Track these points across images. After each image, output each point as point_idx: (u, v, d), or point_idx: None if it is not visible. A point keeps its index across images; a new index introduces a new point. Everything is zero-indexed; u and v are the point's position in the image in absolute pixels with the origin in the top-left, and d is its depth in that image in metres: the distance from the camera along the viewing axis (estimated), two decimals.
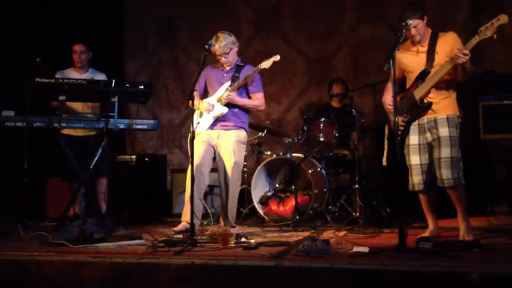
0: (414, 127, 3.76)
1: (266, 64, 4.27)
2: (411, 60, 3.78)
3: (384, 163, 3.88)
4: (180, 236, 3.79)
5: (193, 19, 6.86)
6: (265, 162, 5.27)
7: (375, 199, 4.91)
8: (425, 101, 3.67)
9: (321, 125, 5.07)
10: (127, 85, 4.42)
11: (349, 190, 5.11)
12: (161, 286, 3.01)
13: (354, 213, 4.86)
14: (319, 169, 5.15)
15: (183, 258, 3.12)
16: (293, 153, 5.22)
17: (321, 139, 5.05)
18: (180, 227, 4.17)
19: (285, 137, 5.62)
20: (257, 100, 4.48)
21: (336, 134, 5.12)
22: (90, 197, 4.86)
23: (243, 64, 4.52)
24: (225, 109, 4.35)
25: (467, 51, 3.39)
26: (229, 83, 4.40)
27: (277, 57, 4.28)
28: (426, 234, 3.78)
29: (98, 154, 4.37)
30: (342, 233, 4.20)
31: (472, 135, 4.87)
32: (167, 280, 3.00)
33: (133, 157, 5.88)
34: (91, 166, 4.40)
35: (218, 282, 2.96)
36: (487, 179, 5.03)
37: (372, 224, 4.55)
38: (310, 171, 5.00)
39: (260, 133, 5.61)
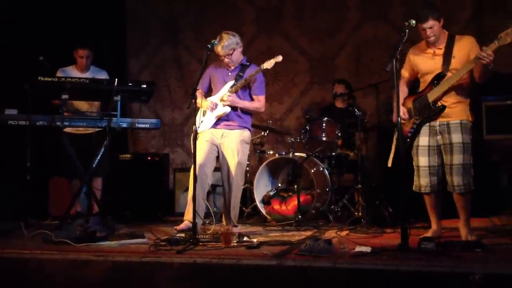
0: (425, 128, 3.74)
1: (268, 64, 4.28)
2: (426, 62, 3.76)
3: (390, 164, 3.87)
4: (183, 235, 3.79)
5: (196, 18, 6.86)
6: (267, 161, 5.26)
7: (377, 199, 4.91)
8: (438, 104, 3.66)
9: (324, 124, 5.07)
10: (129, 84, 4.42)
11: (352, 190, 5.11)
12: (164, 285, 3.01)
13: (356, 213, 4.85)
14: (321, 168, 5.14)
15: (185, 257, 3.12)
16: (295, 152, 5.22)
17: (324, 138, 5.05)
18: (182, 226, 4.17)
19: (288, 137, 5.62)
20: (258, 102, 4.48)
21: (339, 134, 5.12)
22: (92, 195, 4.87)
23: (248, 63, 4.52)
24: (228, 109, 4.36)
25: (490, 52, 3.36)
26: (232, 82, 4.40)
27: (279, 58, 4.28)
28: (428, 234, 3.78)
29: (100, 153, 4.39)
30: (344, 233, 4.20)
31: (475, 136, 4.86)
32: (169, 278, 3.01)
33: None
34: (94, 165, 4.42)
35: (220, 281, 2.97)
36: (490, 179, 5.02)
37: (375, 224, 4.54)
38: (312, 171, 5.00)
39: (262, 133, 5.61)
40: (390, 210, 4.83)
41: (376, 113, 5.41)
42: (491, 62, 3.40)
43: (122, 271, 3.10)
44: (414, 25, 3.51)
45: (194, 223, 3.68)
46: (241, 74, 4.42)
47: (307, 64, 6.42)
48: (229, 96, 4.32)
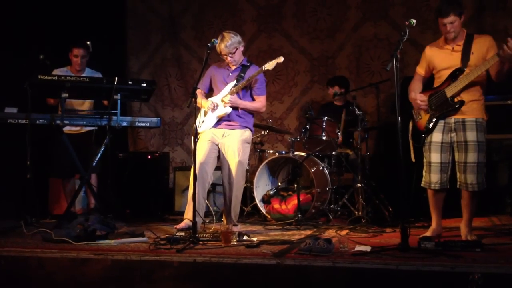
0: (439, 125, 3.71)
1: (269, 65, 4.28)
2: (444, 58, 3.74)
3: (413, 159, 3.83)
4: (182, 234, 3.80)
5: (196, 17, 6.86)
6: (267, 160, 5.26)
7: (377, 198, 4.91)
8: (456, 99, 3.65)
9: (324, 123, 5.07)
10: (129, 82, 4.42)
11: (352, 189, 5.11)
12: (163, 284, 3.02)
13: (356, 212, 4.85)
14: (321, 167, 5.14)
15: (185, 256, 3.12)
16: (295, 151, 5.22)
17: (324, 138, 5.05)
18: (182, 224, 4.17)
19: (288, 136, 5.61)
20: (259, 102, 4.48)
21: (339, 133, 5.12)
22: (92, 192, 4.88)
23: (248, 64, 4.52)
24: (229, 109, 4.35)
25: None
26: (234, 83, 4.40)
27: (280, 59, 4.28)
28: (428, 233, 3.77)
29: (101, 152, 4.40)
30: (344, 232, 4.19)
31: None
32: (169, 277, 3.01)
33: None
34: (94, 163, 4.43)
35: (220, 280, 2.97)
36: (490, 179, 5.02)
37: (374, 223, 4.54)
38: (312, 170, 5.00)
39: (262, 132, 5.61)
40: (390, 209, 4.83)
41: (376, 112, 5.40)
42: None
43: (121, 269, 3.10)
44: (414, 25, 3.50)
45: (194, 222, 3.68)
46: (242, 74, 4.42)
47: (307, 63, 6.42)
48: (230, 99, 4.32)
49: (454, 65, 3.66)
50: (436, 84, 3.79)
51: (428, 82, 3.94)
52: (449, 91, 3.65)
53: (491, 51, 3.55)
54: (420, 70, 3.93)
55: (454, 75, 3.64)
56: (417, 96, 3.81)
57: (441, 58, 3.76)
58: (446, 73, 3.70)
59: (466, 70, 3.61)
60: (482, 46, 3.62)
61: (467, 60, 3.63)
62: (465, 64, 3.63)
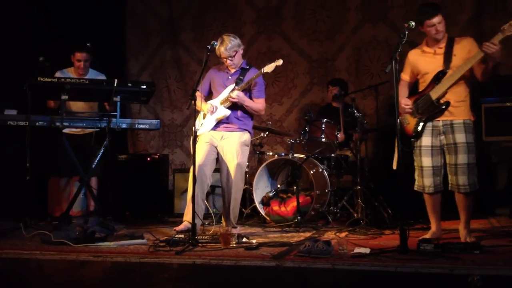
0: (428, 128, 3.72)
1: (268, 68, 4.29)
2: (427, 61, 3.76)
3: (394, 166, 3.84)
4: (182, 236, 3.79)
5: (196, 18, 6.87)
6: (267, 162, 5.27)
7: (376, 200, 4.91)
8: (442, 101, 3.66)
9: (323, 125, 5.07)
10: (129, 84, 4.42)
11: (351, 191, 5.11)
12: (162, 286, 3.01)
13: (355, 214, 4.85)
14: (321, 169, 5.14)
15: (184, 258, 3.13)
16: (295, 153, 5.23)
17: (323, 139, 5.05)
18: (181, 226, 4.17)
19: (287, 138, 5.61)
20: (260, 104, 4.48)
21: (338, 135, 5.12)
22: (92, 194, 4.88)
23: (248, 67, 4.52)
24: (228, 112, 4.36)
25: (496, 42, 3.38)
26: (233, 86, 4.40)
27: (279, 62, 4.30)
28: (428, 236, 3.77)
29: (100, 154, 4.40)
30: (343, 234, 4.20)
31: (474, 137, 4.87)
32: (168, 279, 3.01)
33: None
34: (93, 165, 4.43)
35: (219, 282, 2.97)
36: (489, 181, 5.03)
37: (374, 225, 4.55)
38: (312, 172, 5.00)
39: (262, 134, 5.61)
40: (389, 211, 4.83)
41: (375, 114, 5.41)
42: (497, 54, 3.40)
43: (121, 272, 3.10)
44: (413, 27, 3.51)
45: (193, 224, 3.69)
46: (242, 77, 4.42)
47: (306, 65, 6.43)
48: (238, 93, 4.30)
49: (437, 68, 3.69)
50: (421, 88, 3.82)
51: (413, 88, 3.96)
52: (434, 94, 3.67)
53: (473, 52, 3.58)
54: (405, 75, 3.95)
55: (438, 78, 3.67)
56: (401, 100, 3.82)
57: (424, 62, 3.79)
58: (430, 77, 3.73)
59: (449, 71, 3.64)
60: (464, 48, 3.65)
61: (449, 62, 3.66)
62: (447, 66, 3.66)
